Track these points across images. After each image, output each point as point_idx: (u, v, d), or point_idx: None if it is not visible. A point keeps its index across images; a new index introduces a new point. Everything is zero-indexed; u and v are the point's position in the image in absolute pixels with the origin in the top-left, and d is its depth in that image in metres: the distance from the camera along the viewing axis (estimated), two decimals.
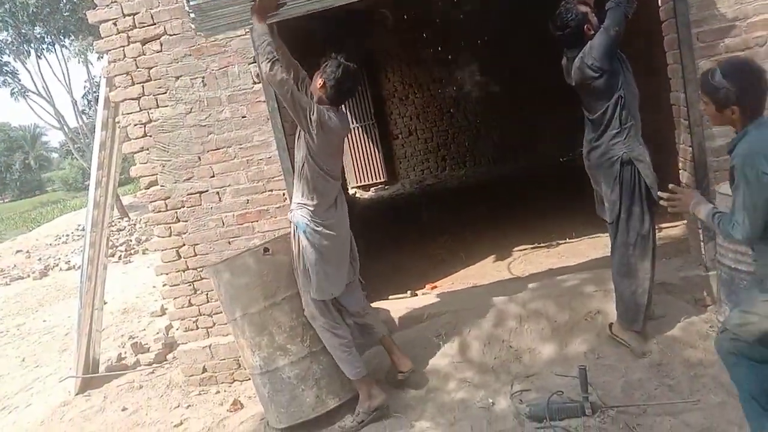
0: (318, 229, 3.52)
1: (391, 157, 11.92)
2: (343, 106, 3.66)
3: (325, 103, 3.48)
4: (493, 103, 10.90)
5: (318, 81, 3.50)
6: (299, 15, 3.61)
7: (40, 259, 13.69)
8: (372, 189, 11.86)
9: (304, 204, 3.56)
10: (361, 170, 11.98)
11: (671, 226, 5.12)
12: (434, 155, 11.76)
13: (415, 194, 10.65)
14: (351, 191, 11.37)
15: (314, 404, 3.69)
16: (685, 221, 4.42)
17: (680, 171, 4.27)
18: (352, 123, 11.77)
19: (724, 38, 3.87)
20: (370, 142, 11.85)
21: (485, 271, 5.20)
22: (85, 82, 21.47)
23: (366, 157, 11.93)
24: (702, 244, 4.09)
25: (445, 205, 8.71)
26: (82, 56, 19.37)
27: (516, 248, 5.64)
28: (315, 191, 3.53)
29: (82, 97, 22.42)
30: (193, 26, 3.69)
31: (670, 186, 2.90)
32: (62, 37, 16.87)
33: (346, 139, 3.81)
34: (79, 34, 16.34)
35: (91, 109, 21.91)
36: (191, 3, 3.39)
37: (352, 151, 11.87)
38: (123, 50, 4.39)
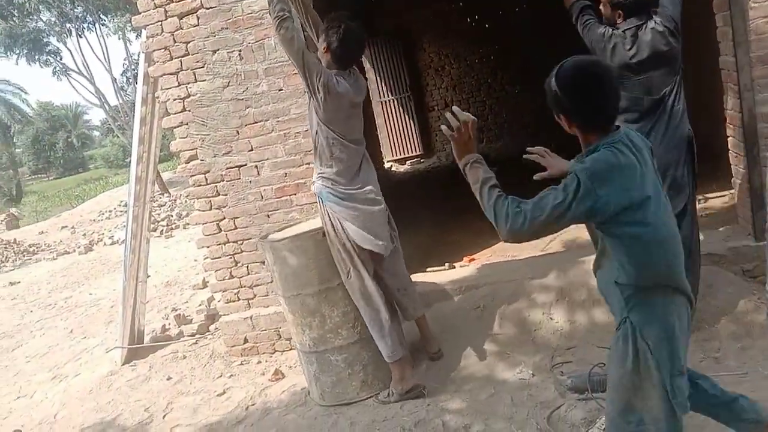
0: (343, 198, 3.46)
1: (427, 130, 11.81)
2: (354, 69, 3.56)
3: (333, 68, 3.41)
4: (532, 72, 10.65)
5: (322, 46, 3.44)
6: None
7: (84, 234, 14.07)
8: (408, 162, 11.79)
9: (323, 173, 3.51)
10: (396, 144, 11.90)
11: (718, 196, 4.97)
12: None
13: (451, 167, 10.53)
14: (387, 165, 11.32)
15: (359, 388, 3.72)
16: (733, 190, 4.28)
17: (729, 138, 4.12)
18: (388, 95, 11.68)
19: None
20: (406, 116, 11.74)
21: (523, 245, 5.14)
22: (124, 60, 21.84)
23: (402, 130, 11.83)
24: (751, 213, 3.96)
25: None
26: (121, 33, 19.63)
27: None
28: (333, 158, 3.45)
29: (122, 75, 22.81)
30: None
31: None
32: (101, 15, 17.12)
33: (363, 103, 3.65)
34: (118, 11, 16.55)
35: (130, 87, 22.24)
36: None
37: (388, 124, 11.79)
38: (161, 25, 4.41)
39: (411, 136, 11.81)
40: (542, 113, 10.32)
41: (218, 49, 4.38)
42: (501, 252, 5.07)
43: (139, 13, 4.44)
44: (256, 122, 4.47)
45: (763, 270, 3.75)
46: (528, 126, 10.92)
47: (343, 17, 3.45)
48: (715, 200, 4.92)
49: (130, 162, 5.31)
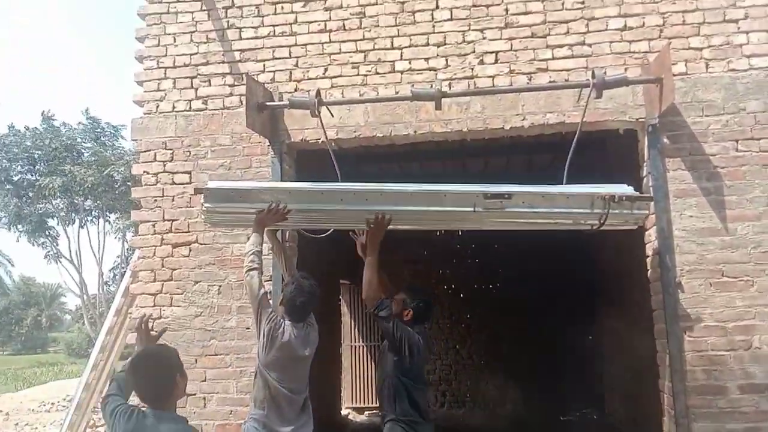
0: None
1: None
2: (310, 322, 3.73)
3: (287, 319, 3.64)
4: (498, 348, 11.00)
5: (278, 297, 3.75)
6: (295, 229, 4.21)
7: (17, 424, 13.18)
8: (366, 413, 11.54)
9: (254, 415, 3.56)
10: (358, 391, 11.77)
11: None
12: (434, 389, 11.57)
13: None
14: (345, 411, 11.08)
15: None
16: None
17: None
18: (359, 341, 11.85)
19: (710, 337, 4.07)
20: (373, 364, 11.79)
21: None
22: (117, 257, 22.43)
23: (366, 378, 11.78)
24: None
25: None
26: (121, 234, 20.54)
27: None
28: (266, 401, 3.53)
29: (110, 270, 23.30)
30: (204, 219, 4.08)
31: None
32: (108, 213, 18.13)
33: (310, 356, 3.74)
34: (125, 213, 17.54)
35: (115, 282, 22.57)
36: (205, 205, 3.88)
37: (353, 370, 11.79)
38: (154, 249, 4.77)
39: (374, 386, 11.73)
40: (504, 388, 10.36)
41: (200, 281, 4.68)
42: None
43: (138, 235, 4.82)
44: (217, 355, 4.60)
45: None
46: (488, 398, 10.96)
47: (304, 275, 3.79)
48: None
49: (90, 355, 5.31)
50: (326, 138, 4.50)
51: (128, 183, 15.73)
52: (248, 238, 3.79)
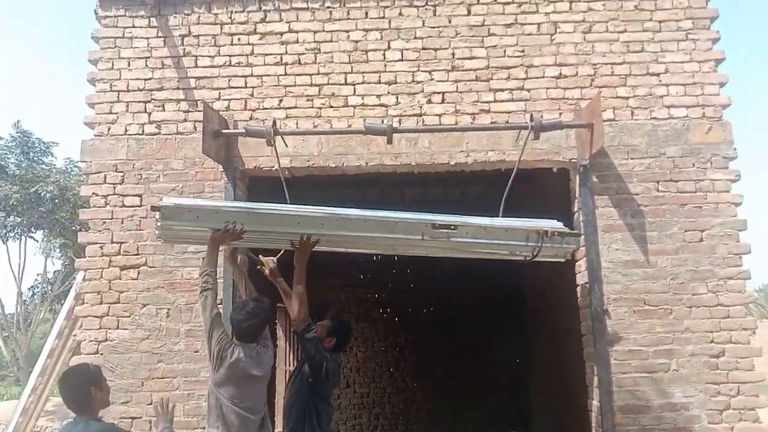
0: None
1: None
2: (263, 344, 3.77)
3: (237, 340, 3.71)
4: (431, 371, 11.27)
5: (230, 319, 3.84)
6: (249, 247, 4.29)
7: None
8: None
9: None
10: None
11: None
12: (368, 412, 11.71)
13: None
14: None
15: None
16: None
17: None
18: (292, 365, 11.84)
19: (633, 360, 4.46)
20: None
21: None
22: (38, 275, 21.39)
23: None
24: None
25: None
26: (46, 253, 19.68)
27: None
28: (219, 420, 3.59)
29: (29, 289, 22.20)
30: (158, 235, 4.09)
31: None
32: (33, 230, 17.36)
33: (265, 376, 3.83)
34: (51, 232, 16.86)
35: (33, 302, 21.53)
36: (160, 222, 3.90)
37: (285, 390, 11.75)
38: (101, 271, 4.75)
39: None
40: (437, 410, 10.60)
41: (149, 304, 4.69)
42: None
43: (85, 257, 4.80)
44: (164, 377, 4.61)
45: None
46: (421, 421, 11.18)
47: (254, 297, 3.90)
48: None
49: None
50: (280, 166, 4.65)
51: (56, 201, 15.17)
52: (202, 259, 3.87)
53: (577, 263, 4.76)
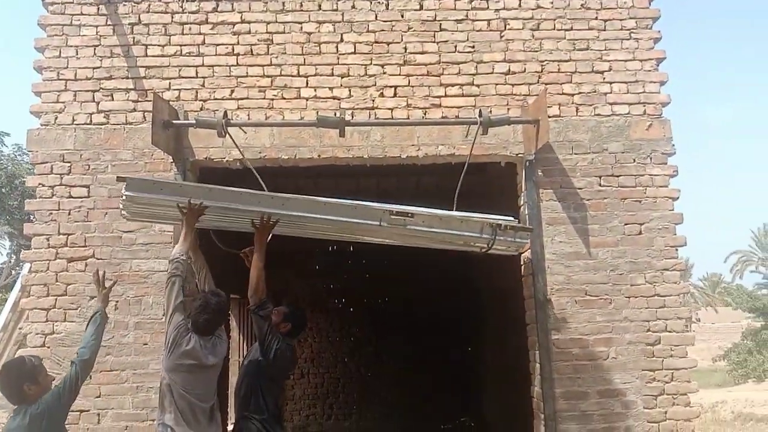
0: None
1: None
2: (218, 335, 3.83)
3: (192, 331, 3.76)
4: (385, 361, 11.41)
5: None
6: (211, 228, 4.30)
7: None
8: None
9: (161, 420, 3.66)
10: None
11: None
12: (322, 402, 11.79)
13: None
14: (230, 426, 10.99)
15: None
16: None
17: None
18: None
19: (574, 348, 4.63)
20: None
21: None
22: None
23: None
24: None
25: None
26: None
27: None
28: (171, 405, 3.65)
29: None
30: (122, 208, 4.11)
31: None
32: None
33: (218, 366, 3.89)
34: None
35: None
36: (125, 192, 3.93)
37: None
38: (48, 263, 4.67)
39: None
40: (389, 401, 10.76)
41: (96, 296, 4.63)
42: None
43: (31, 249, 4.71)
44: (112, 370, 4.58)
45: None
46: (375, 409, 11.32)
47: (213, 292, 3.93)
48: None
49: None
50: (243, 156, 4.66)
51: (2, 189, 14.73)
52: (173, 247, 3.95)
53: (522, 255, 4.91)
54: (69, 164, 4.80)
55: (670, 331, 4.69)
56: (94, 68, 4.93)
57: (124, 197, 3.99)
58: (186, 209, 3.92)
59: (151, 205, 4.05)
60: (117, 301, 4.62)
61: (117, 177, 4.20)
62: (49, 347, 4.57)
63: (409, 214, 4.17)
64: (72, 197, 4.76)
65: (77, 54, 4.93)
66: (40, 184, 4.78)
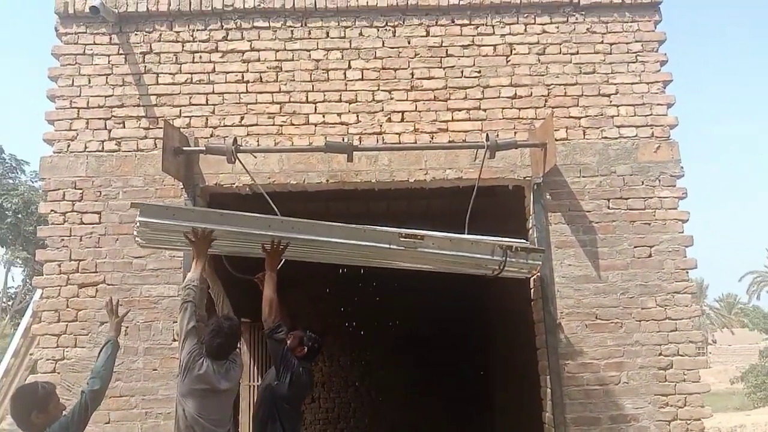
0: None
1: None
2: (233, 359, 3.85)
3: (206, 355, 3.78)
4: (396, 385, 11.32)
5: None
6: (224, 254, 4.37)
7: None
8: None
9: None
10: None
11: None
12: (333, 426, 11.69)
13: None
14: None
15: None
16: None
17: None
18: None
19: (585, 373, 4.58)
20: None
21: None
22: None
23: None
24: None
25: None
26: (7, 266, 19.34)
27: None
28: (188, 431, 3.65)
29: None
30: (135, 235, 4.11)
31: None
32: None
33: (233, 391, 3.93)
34: (12, 246, 16.60)
35: None
36: (139, 218, 3.96)
37: (249, 410, 11.67)
38: (59, 289, 4.72)
39: None
40: (403, 424, 10.61)
41: (107, 322, 4.59)
42: None
43: (43, 275, 4.76)
44: (122, 396, 4.59)
45: None
46: None
47: (226, 317, 3.98)
48: None
49: None
50: (254, 181, 4.69)
51: (19, 215, 14.93)
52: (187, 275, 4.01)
53: (531, 278, 4.89)
54: (81, 191, 4.86)
55: (682, 355, 4.63)
56: (106, 96, 5.02)
57: (137, 224, 4.02)
58: (193, 237, 3.95)
59: (165, 231, 4.08)
60: (127, 327, 4.64)
61: (131, 203, 4.24)
62: (59, 373, 4.59)
63: (419, 237, 4.18)
64: (83, 223, 4.82)
65: (90, 83, 5.03)
66: (52, 210, 4.84)
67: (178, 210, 4.14)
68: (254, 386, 11.69)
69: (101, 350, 3.66)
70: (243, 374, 11.38)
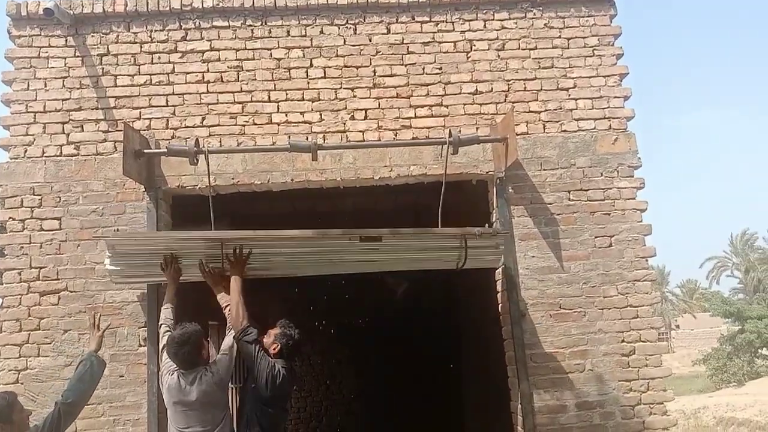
0: None
1: None
2: (204, 369, 3.83)
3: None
4: (367, 382, 11.36)
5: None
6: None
7: None
8: None
9: None
10: None
11: None
12: (305, 426, 11.68)
13: None
14: None
15: None
16: None
17: None
18: (234, 382, 11.68)
19: (551, 362, 4.68)
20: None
21: None
22: None
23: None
24: None
25: None
26: None
27: None
28: None
29: None
30: (108, 272, 4.30)
31: None
32: None
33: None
34: None
35: None
36: (109, 267, 4.18)
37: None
38: (20, 298, 4.61)
39: None
40: (373, 421, 10.62)
41: (70, 330, 4.59)
42: None
43: (3, 284, 4.65)
44: (89, 404, 4.46)
45: None
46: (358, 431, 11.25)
47: (180, 325, 3.95)
48: None
49: None
50: (210, 183, 4.63)
51: None
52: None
53: (496, 270, 4.96)
54: (40, 197, 4.77)
55: (644, 341, 4.76)
56: (63, 100, 4.92)
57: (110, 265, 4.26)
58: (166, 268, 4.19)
59: (137, 262, 4.30)
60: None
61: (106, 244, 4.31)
62: (22, 383, 4.49)
63: (378, 237, 4.22)
64: (43, 230, 4.72)
65: (46, 86, 4.93)
66: (10, 218, 4.73)
67: (141, 235, 4.38)
68: (231, 387, 11.63)
69: (78, 365, 3.70)
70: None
